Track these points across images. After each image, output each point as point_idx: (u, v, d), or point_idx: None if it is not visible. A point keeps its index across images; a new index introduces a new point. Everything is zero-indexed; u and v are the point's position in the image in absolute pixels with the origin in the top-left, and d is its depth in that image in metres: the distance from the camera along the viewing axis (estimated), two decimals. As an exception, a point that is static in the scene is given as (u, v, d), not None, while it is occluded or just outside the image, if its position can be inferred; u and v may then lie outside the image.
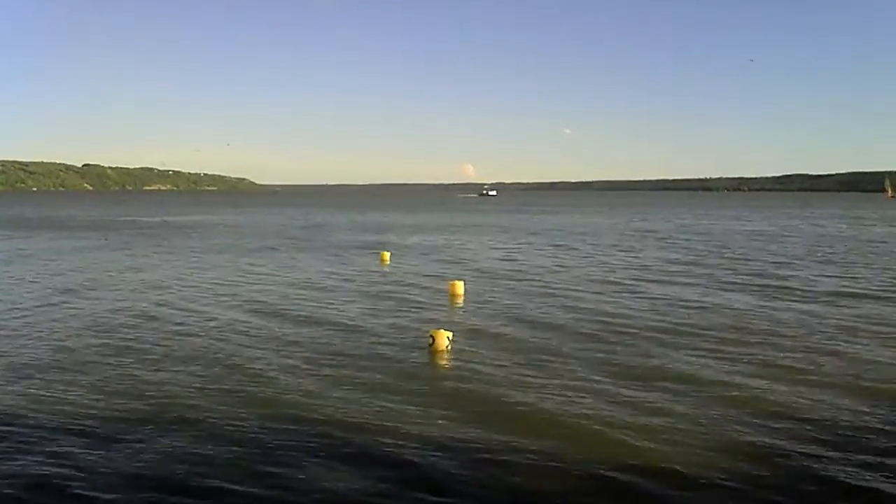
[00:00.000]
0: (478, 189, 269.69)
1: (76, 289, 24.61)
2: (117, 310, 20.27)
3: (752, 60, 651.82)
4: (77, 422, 10.77)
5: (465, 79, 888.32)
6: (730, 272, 29.52)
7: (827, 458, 9.44)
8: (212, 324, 18.36)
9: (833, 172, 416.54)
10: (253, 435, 10.29)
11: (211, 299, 22.48)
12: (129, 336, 16.84)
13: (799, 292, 23.76)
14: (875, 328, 17.70)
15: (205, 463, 9.28)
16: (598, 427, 10.60)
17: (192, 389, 12.49)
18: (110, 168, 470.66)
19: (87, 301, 21.93)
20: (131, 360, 14.46)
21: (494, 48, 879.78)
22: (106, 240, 48.66)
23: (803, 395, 12.08)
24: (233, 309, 20.69)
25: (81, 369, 13.74)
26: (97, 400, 11.86)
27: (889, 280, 27.01)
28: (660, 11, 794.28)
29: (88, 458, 9.46)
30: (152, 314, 19.66)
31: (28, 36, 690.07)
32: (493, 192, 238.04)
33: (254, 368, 13.86)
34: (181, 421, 10.82)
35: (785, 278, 27.49)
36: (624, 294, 23.56)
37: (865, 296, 23.02)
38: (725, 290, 24.36)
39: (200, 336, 16.87)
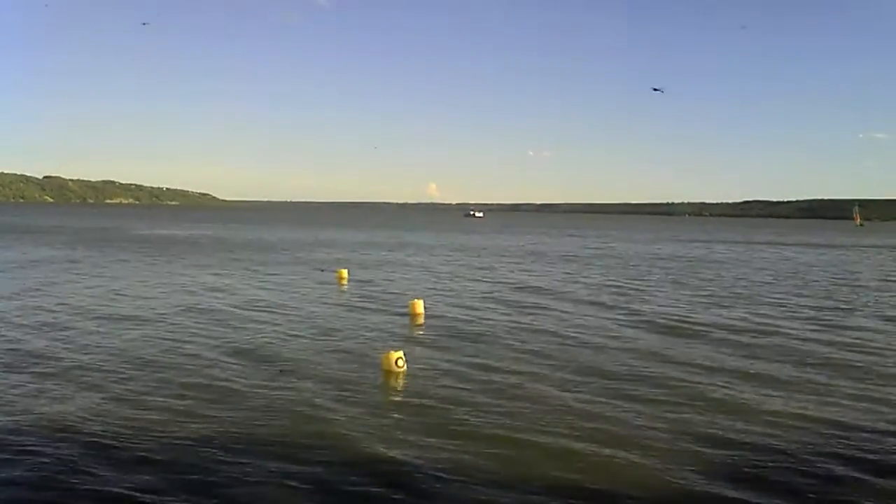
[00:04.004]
0: (454, 209, 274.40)
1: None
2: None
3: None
4: None
5: (429, 98, 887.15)
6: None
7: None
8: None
9: (793, 199, 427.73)
10: (194, 459, 9.91)
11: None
12: None
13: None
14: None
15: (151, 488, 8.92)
16: (553, 444, 10.56)
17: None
18: (71, 180, 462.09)
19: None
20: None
21: (457, 66, 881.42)
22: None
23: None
24: (181, 315, 20.13)
25: None
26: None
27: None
28: (627, 34, 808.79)
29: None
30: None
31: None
32: (480, 214, 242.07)
33: (204, 383, 13.57)
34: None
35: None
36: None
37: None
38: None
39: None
